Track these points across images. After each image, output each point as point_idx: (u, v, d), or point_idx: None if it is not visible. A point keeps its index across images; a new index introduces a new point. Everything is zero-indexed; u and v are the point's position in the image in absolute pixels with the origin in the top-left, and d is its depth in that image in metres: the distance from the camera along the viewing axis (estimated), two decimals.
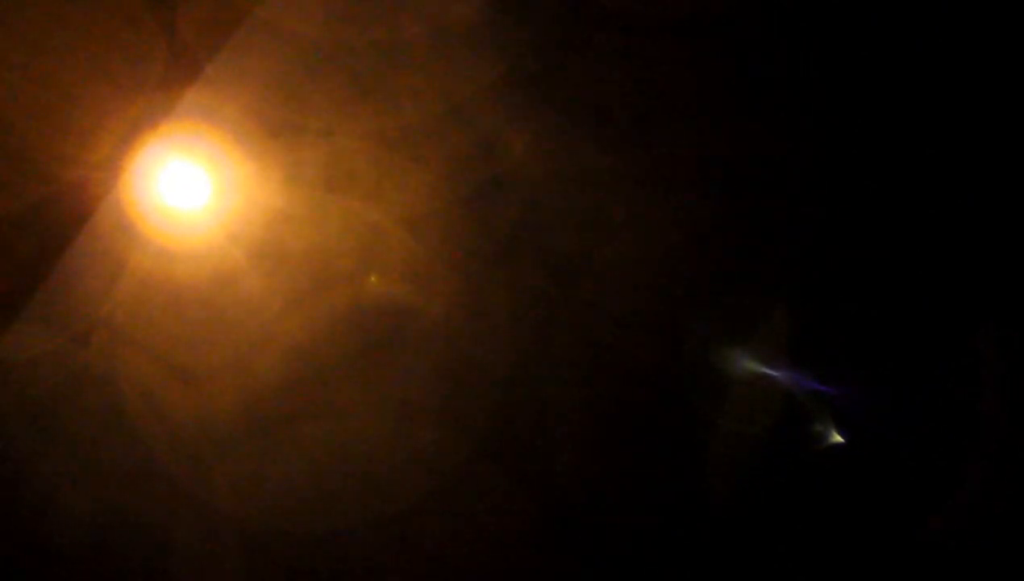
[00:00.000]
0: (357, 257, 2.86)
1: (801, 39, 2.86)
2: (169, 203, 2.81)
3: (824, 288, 2.86)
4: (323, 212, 2.89)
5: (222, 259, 2.83)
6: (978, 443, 2.69)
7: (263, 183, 2.85)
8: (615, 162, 2.91)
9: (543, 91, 2.90)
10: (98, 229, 2.65)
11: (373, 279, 2.90)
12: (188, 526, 2.78)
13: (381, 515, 2.81)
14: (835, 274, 2.86)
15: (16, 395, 2.70)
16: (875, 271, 2.83)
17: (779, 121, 2.86)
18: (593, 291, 2.91)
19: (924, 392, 2.74)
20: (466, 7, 2.89)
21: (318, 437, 2.82)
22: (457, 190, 2.92)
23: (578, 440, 2.87)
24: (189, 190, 2.82)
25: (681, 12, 2.84)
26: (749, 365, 2.80)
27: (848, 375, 2.80)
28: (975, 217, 2.75)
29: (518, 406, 2.87)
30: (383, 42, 2.93)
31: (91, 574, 2.75)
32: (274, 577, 2.80)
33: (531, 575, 2.84)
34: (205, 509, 2.79)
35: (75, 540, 2.74)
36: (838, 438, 2.75)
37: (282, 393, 2.81)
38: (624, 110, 2.91)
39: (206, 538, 2.78)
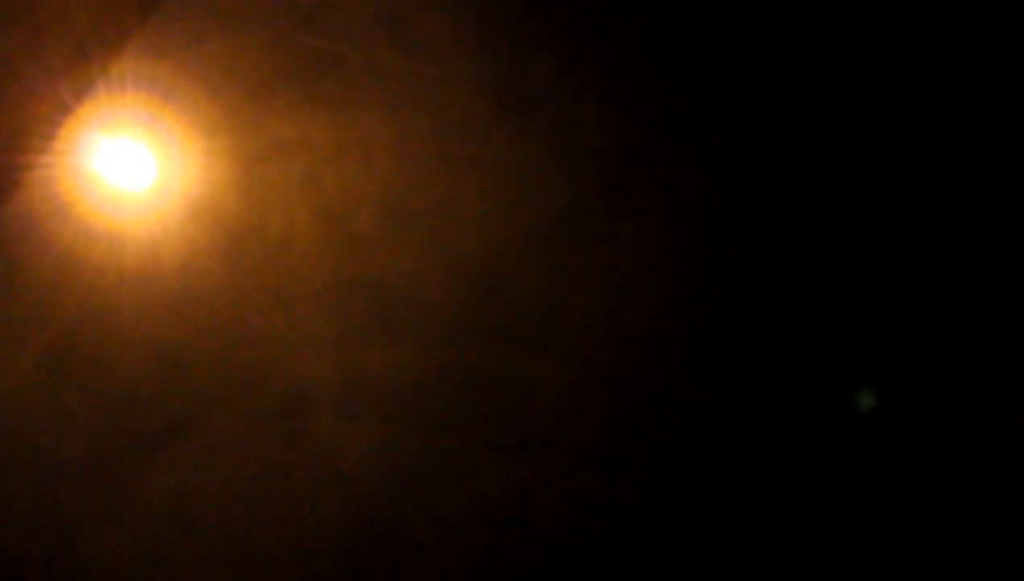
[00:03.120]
0: (316, 236, 2.65)
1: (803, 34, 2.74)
2: (107, 183, 2.55)
3: (828, 283, 2.78)
4: (274, 189, 2.67)
5: (165, 243, 2.60)
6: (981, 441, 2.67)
7: (210, 160, 2.63)
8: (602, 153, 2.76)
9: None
10: (30, 213, 2.38)
11: (335, 259, 2.69)
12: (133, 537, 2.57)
13: (372, 520, 2.64)
14: (838, 271, 2.77)
15: None
16: (877, 268, 2.76)
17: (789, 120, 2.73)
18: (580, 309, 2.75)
19: (934, 390, 2.71)
20: None
21: (287, 435, 2.61)
22: (421, 168, 2.74)
23: (569, 447, 2.74)
24: (129, 169, 2.56)
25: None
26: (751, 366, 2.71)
27: (852, 373, 2.74)
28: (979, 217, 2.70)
29: (512, 405, 2.72)
30: (341, 8, 2.73)
31: None
32: None
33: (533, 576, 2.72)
34: (146, 513, 2.58)
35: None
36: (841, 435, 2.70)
37: (243, 388, 2.59)
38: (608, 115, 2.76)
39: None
